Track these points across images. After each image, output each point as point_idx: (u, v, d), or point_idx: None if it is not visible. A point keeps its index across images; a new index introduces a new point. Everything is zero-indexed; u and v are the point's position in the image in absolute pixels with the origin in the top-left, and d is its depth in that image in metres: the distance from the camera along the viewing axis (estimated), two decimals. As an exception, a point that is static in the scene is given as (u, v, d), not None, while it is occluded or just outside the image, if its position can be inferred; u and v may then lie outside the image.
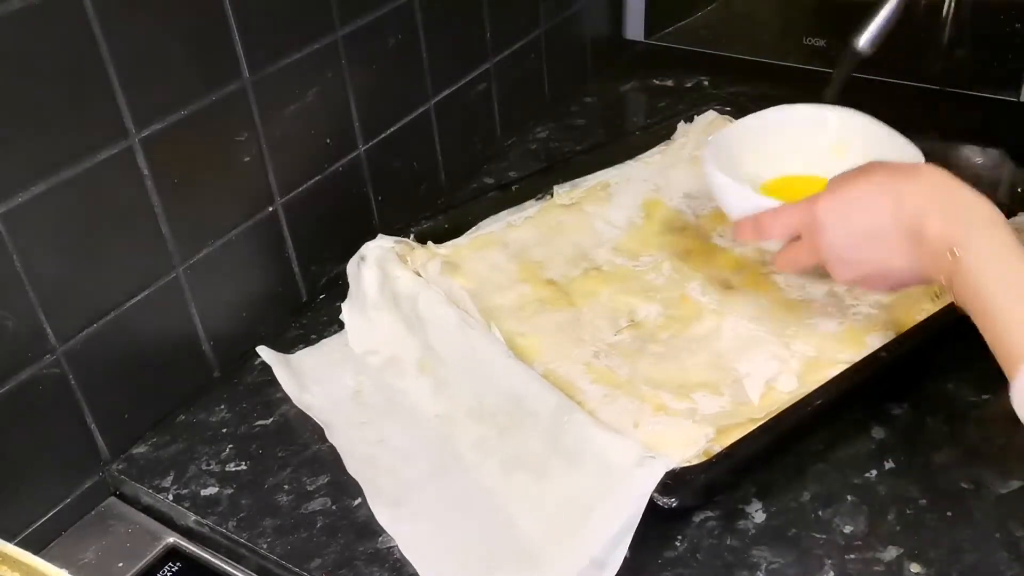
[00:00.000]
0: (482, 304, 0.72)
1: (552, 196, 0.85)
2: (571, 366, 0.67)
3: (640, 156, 0.91)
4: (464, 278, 0.75)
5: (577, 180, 0.87)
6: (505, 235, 0.81)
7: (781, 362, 0.66)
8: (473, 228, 0.81)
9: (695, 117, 0.94)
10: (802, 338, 0.67)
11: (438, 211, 0.84)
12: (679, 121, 0.94)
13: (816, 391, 0.61)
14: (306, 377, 0.72)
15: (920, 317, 0.67)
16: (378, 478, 0.63)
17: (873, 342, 0.66)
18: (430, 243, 0.78)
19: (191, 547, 0.62)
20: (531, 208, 0.84)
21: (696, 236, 0.80)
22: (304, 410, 0.69)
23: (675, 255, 0.78)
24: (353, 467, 0.64)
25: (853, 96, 0.99)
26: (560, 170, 0.88)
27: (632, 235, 0.81)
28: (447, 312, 0.69)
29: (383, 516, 0.61)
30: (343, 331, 0.75)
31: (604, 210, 0.84)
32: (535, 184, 0.86)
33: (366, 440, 0.66)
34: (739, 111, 0.92)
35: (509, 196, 0.84)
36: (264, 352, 0.73)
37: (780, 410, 0.61)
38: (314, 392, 0.71)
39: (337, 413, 0.69)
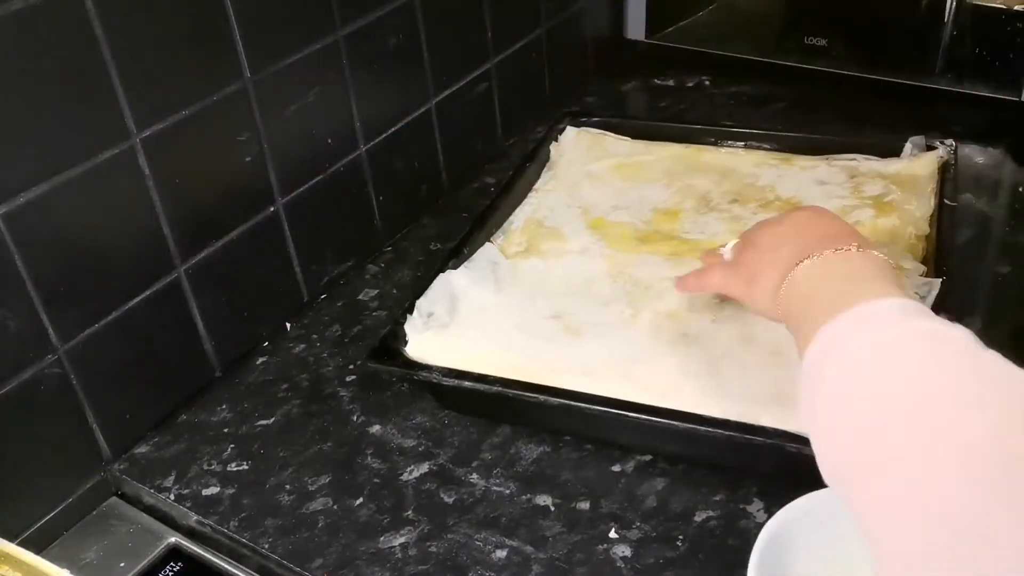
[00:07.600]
0: None
1: (492, 243, 0.78)
2: None
3: (538, 186, 0.87)
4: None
5: (503, 225, 0.81)
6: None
7: None
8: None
9: (558, 137, 0.92)
10: None
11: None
12: (539, 146, 0.91)
13: None
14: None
15: None
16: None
17: None
18: None
19: (193, 547, 0.61)
20: (491, 259, 0.77)
21: (668, 237, 0.78)
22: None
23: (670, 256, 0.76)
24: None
25: (855, 95, 1.00)
26: (478, 223, 0.80)
27: (614, 254, 0.77)
28: None
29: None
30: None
31: (562, 244, 0.79)
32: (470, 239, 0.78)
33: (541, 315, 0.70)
34: (717, 108, 0.91)
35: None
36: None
37: None
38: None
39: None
